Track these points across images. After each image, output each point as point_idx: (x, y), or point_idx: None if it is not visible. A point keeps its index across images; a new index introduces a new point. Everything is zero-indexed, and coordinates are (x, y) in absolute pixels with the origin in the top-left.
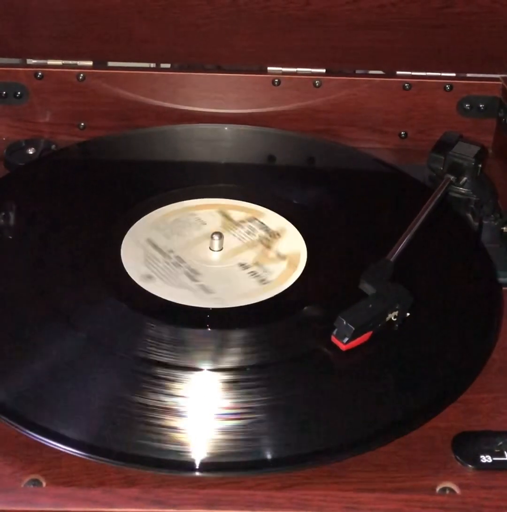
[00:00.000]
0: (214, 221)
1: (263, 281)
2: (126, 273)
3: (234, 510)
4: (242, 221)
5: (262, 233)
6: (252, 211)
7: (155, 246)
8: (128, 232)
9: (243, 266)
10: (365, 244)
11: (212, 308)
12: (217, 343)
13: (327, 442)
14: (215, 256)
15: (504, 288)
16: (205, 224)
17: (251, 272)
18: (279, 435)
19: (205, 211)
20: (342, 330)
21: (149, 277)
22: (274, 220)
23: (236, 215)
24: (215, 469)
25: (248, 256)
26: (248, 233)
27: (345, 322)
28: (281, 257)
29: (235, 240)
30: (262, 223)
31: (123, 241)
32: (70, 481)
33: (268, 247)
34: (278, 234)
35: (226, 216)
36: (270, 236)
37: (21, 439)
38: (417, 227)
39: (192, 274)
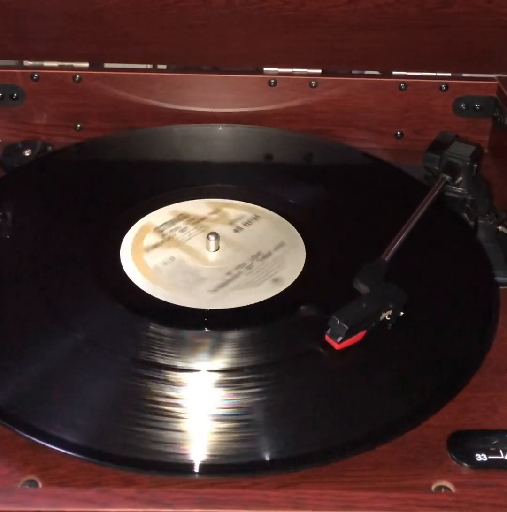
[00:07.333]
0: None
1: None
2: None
3: (231, 510)
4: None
5: (191, 225)
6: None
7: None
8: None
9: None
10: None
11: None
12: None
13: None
14: (223, 253)
15: (500, 287)
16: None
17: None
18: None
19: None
20: (336, 329)
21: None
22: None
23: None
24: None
25: (225, 230)
26: (182, 231)
27: (338, 321)
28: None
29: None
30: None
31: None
32: (66, 482)
33: (217, 218)
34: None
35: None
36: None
37: (17, 440)
38: (412, 226)
39: (246, 268)
